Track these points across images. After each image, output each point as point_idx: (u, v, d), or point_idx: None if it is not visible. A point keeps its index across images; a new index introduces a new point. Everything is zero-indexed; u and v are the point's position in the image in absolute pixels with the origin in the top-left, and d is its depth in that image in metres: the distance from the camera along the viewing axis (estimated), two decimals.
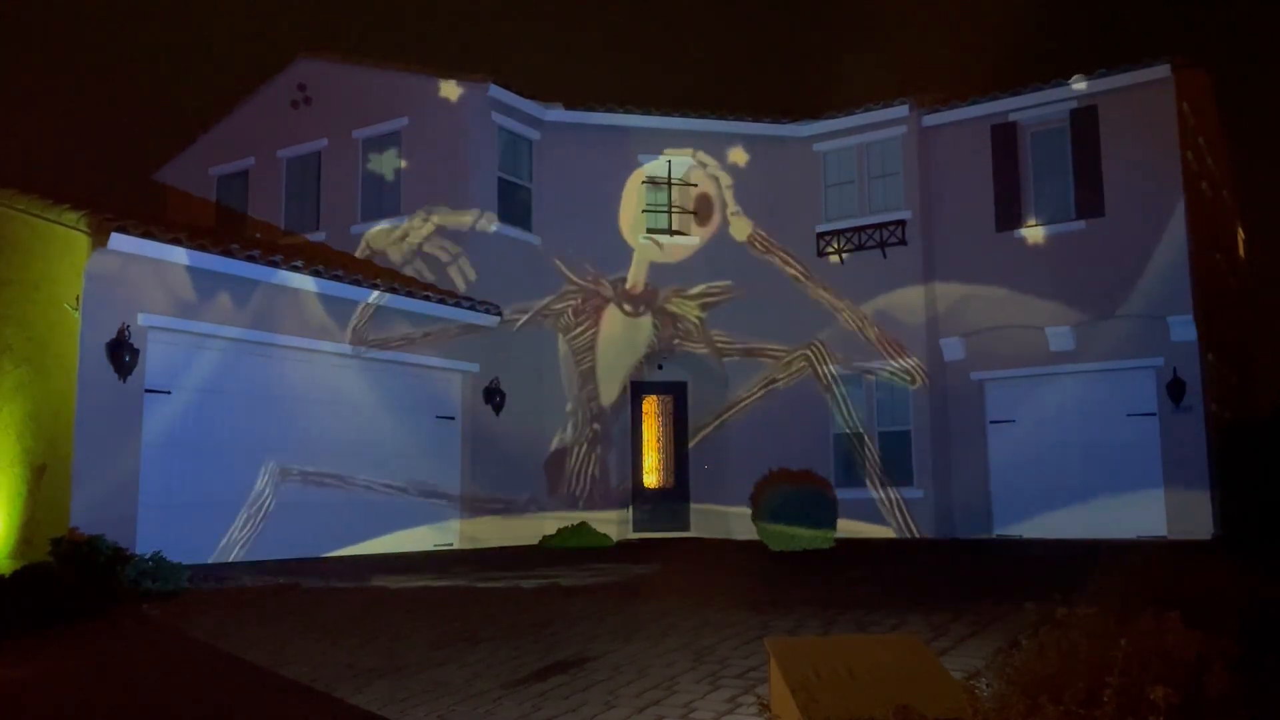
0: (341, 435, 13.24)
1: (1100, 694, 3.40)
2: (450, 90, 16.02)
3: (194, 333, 11.53)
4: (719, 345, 17.32)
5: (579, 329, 16.91)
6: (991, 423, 16.02)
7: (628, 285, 17.21)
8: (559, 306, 16.68)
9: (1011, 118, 16.09)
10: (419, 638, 6.81)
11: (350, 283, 13.16)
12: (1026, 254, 15.74)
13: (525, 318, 16.11)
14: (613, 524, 16.33)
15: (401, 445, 14.03)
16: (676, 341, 17.20)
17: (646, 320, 17.19)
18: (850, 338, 16.71)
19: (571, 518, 15.95)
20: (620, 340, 17.13)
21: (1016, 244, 15.88)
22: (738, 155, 17.42)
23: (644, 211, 17.17)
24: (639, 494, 17.06)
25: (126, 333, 10.69)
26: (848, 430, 16.77)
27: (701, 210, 17.51)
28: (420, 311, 14.12)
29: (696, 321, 17.28)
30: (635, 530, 16.71)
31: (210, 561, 11.27)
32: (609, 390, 17.08)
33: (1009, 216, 15.98)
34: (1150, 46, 36.28)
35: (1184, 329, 14.61)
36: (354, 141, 16.76)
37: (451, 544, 14.50)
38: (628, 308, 17.18)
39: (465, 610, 8.00)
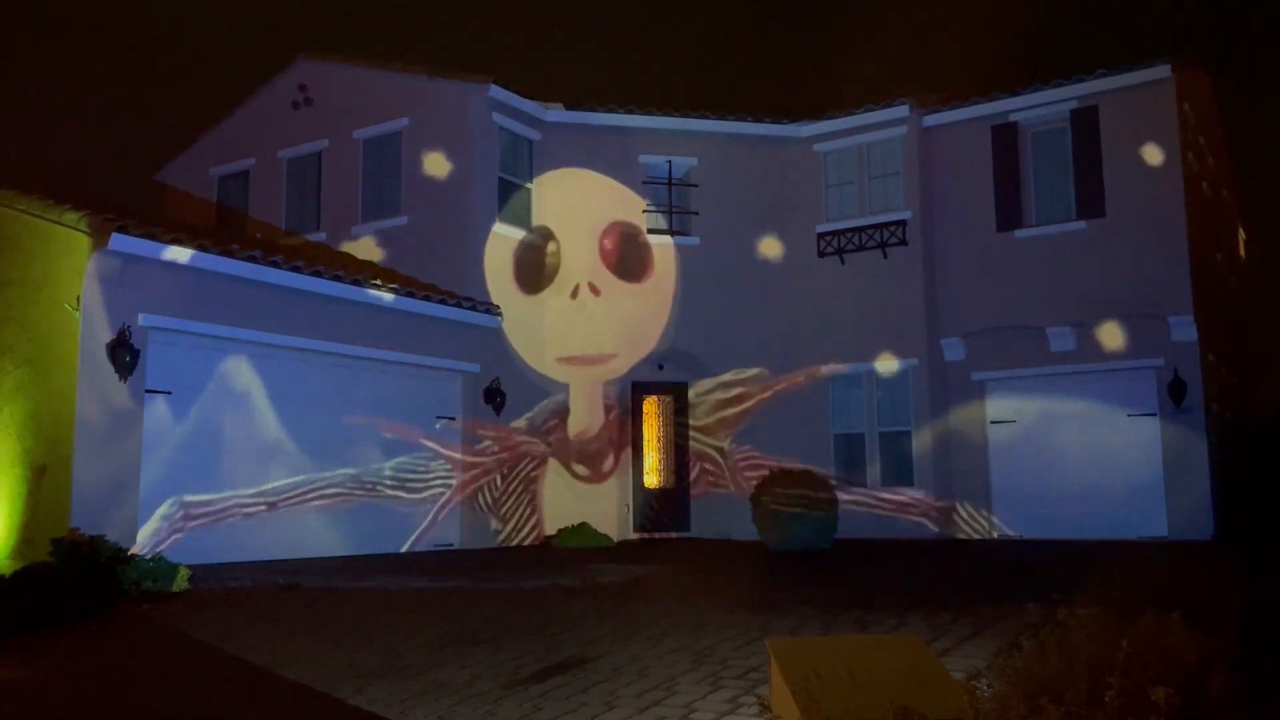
0: (343, 435, 13.24)
1: (1101, 695, 3.40)
2: (450, 90, 16.02)
3: (194, 333, 11.52)
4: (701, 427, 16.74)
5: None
6: (992, 423, 16.02)
7: (571, 435, 15.92)
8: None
9: (1012, 118, 16.09)
10: (419, 638, 6.81)
11: (350, 283, 13.16)
12: (1027, 254, 15.74)
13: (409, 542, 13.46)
14: (613, 524, 16.34)
15: (403, 444, 14.02)
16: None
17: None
18: (850, 338, 16.71)
19: (571, 518, 15.96)
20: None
21: (1017, 244, 15.87)
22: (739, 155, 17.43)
23: (644, 212, 17.14)
24: (639, 494, 17.06)
25: (127, 333, 10.69)
26: (848, 430, 16.78)
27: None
28: (421, 312, 14.11)
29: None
30: (635, 530, 16.71)
31: (210, 561, 11.26)
32: None
33: (1009, 217, 15.98)
34: (1150, 46, 36.28)
35: (1184, 329, 14.60)
36: (354, 142, 16.76)
37: (451, 544, 14.51)
38: (581, 470, 15.55)
39: (466, 611, 8.00)
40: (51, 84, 34.41)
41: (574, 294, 16.34)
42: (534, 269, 16.17)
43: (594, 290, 16.21)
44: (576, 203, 16.71)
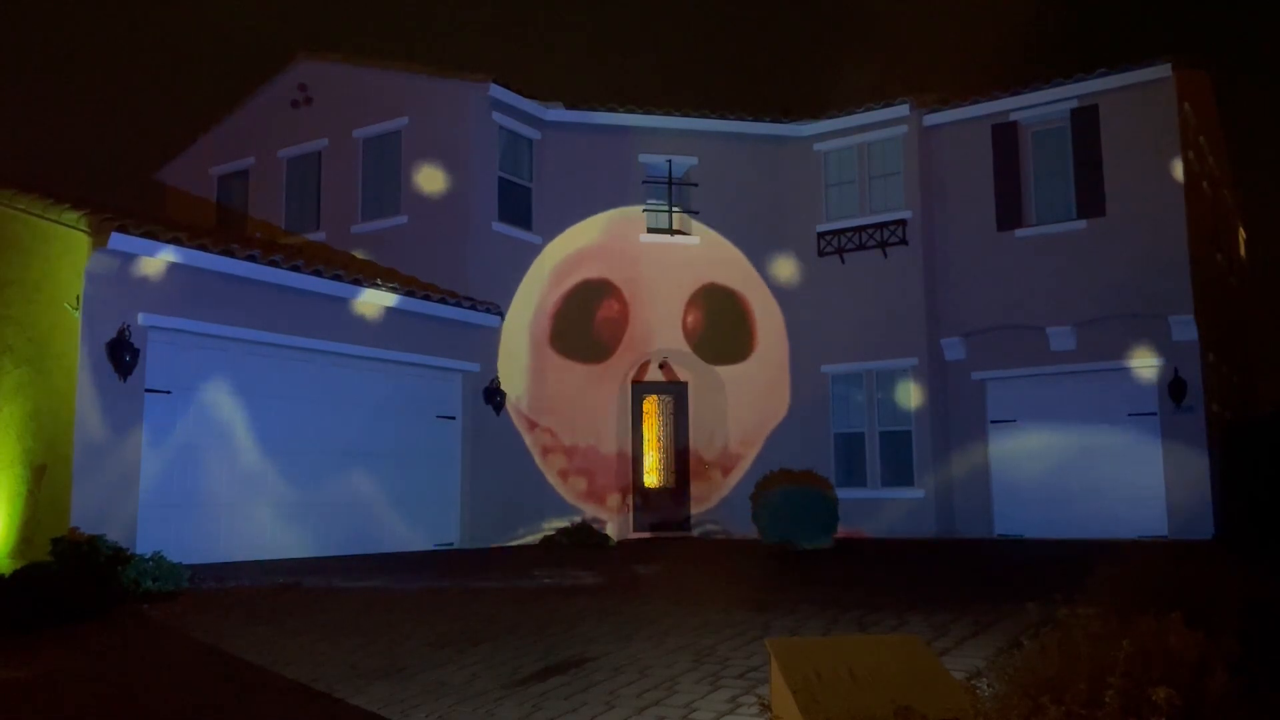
0: (342, 435, 13.23)
1: (1102, 695, 3.39)
2: (450, 90, 16.01)
3: (194, 333, 11.51)
4: None
5: None
6: (992, 423, 16.01)
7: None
8: None
9: (1012, 117, 16.09)
10: (419, 638, 6.81)
11: (351, 283, 13.15)
12: (1027, 254, 15.74)
13: None
14: (613, 524, 16.34)
15: (402, 444, 14.02)
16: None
17: None
18: (850, 337, 16.70)
19: (572, 517, 15.96)
20: None
21: (1017, 244, 15.87)
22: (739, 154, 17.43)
23: (645, 210, 17.15)
24: (639, 494, 17.05)
25: (127, 333, 10.69)
26: (848, 430, 16.77)
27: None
28: (421, 311, 14.11)
29: None
30: (635, 530, 16.71)
31: (210, 561, 11.26)
32: None
33: (1010, 216, 15.98)
34: (1150, 46, 36.29)
35: (1184, 329, 14.60)
36: (354, 141, 16.76)
37: (452, 544, 14.50)
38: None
39: (465, 610, 8.00)
40: (52, 83, 34.40)
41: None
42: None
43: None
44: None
